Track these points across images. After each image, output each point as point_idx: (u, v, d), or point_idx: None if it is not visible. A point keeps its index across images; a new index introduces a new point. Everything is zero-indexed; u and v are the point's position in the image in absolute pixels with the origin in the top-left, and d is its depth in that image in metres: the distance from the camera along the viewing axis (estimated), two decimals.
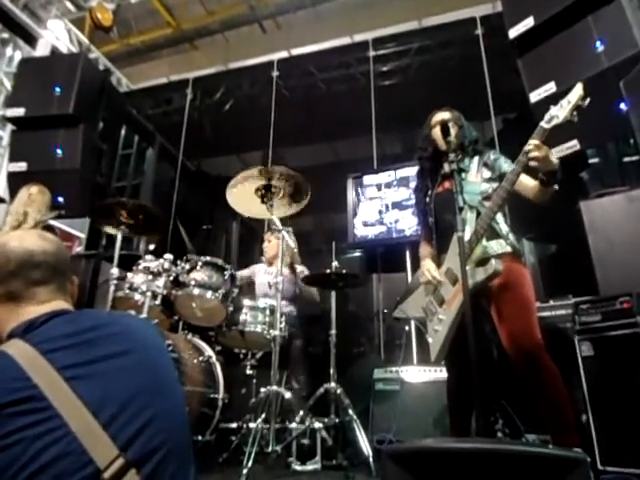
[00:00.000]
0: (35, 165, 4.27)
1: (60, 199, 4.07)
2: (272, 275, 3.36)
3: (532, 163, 1.80)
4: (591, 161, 3.86)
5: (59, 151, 4.32)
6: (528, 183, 1.97)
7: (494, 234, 2.02)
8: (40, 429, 0.76)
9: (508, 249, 2.02)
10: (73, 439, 0.77)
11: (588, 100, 1.71)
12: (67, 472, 0.75)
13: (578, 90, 1.72)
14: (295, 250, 3.40)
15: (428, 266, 2.15)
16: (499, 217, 2.05)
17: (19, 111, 4.38)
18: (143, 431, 0.84)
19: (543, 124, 1.79)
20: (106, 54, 6.59)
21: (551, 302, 2.70)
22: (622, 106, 2.81)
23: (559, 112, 1.75)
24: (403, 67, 5.33)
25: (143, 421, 0.85)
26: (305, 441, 2.50)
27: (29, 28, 5.53)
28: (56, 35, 5.84)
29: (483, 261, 1.89)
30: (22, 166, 4.27)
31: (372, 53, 5.30)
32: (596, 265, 2.73)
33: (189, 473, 0.93)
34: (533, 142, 1.79)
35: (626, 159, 3.71)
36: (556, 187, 1.89)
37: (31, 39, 5.60)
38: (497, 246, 2.01)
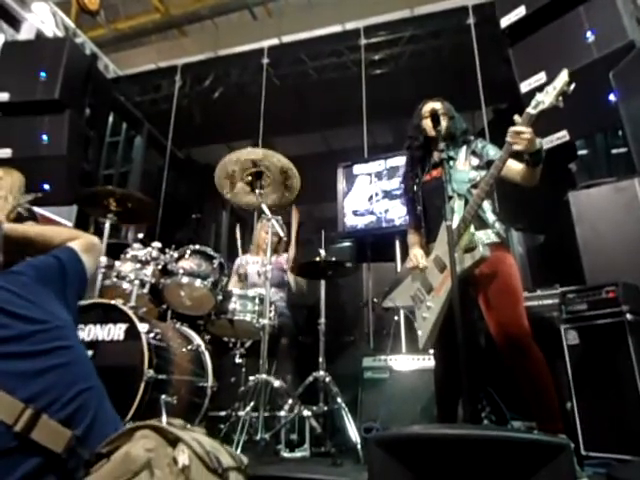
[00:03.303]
0: (20, 152, 4.18)
1: (46, 186, 4.01)
2: (259, 264, 3.35)
3: (516, 147, 1.82)
4: (580, 152, 3.89)
5: (45, 137, 4.23)
6: (516, 167, 1.99)
7: (481, 223, 2.03)
8: None
9: (495, 239, 2.03)
10: None
11: (573, 86, 1.73)
12: None
13: (563, 76, 1.74)
14: (284, 239, 3.38)
15: (415, 252, 2.17)
16: (486, 206, 2.06)
17: (3, 96, 4.27)
18: (54, 385, 0.86)
19: (530, 110, 1.81)
20: (93, 39, 6.42)
21: (538, 292, 2.73)
22: (611, 97, 2.82)
23: (545, 98, 1.77)
24: (394, 56, 5.30)
25: (52, 379, 0.86)
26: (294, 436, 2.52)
27: (12, 10, 5.36)
28: (41, 18, 5.67)
29: (471, 249, 1.90)
30: (7, 152, 4.18)
31: (364, 41, 5.26)
32: (583, 255, 2.76)
33: (111, 410, 0.96)
34: (513, 129, 1.81)
35: (614, 151, 3.74)
36: (540, 166, 1.91)
37: (15, 22, 5.44)
38: (484, 236, 2.02)
